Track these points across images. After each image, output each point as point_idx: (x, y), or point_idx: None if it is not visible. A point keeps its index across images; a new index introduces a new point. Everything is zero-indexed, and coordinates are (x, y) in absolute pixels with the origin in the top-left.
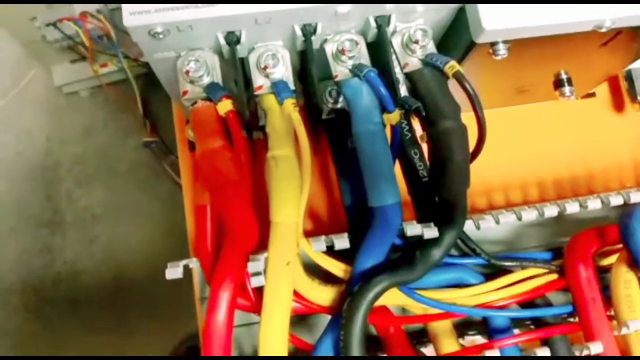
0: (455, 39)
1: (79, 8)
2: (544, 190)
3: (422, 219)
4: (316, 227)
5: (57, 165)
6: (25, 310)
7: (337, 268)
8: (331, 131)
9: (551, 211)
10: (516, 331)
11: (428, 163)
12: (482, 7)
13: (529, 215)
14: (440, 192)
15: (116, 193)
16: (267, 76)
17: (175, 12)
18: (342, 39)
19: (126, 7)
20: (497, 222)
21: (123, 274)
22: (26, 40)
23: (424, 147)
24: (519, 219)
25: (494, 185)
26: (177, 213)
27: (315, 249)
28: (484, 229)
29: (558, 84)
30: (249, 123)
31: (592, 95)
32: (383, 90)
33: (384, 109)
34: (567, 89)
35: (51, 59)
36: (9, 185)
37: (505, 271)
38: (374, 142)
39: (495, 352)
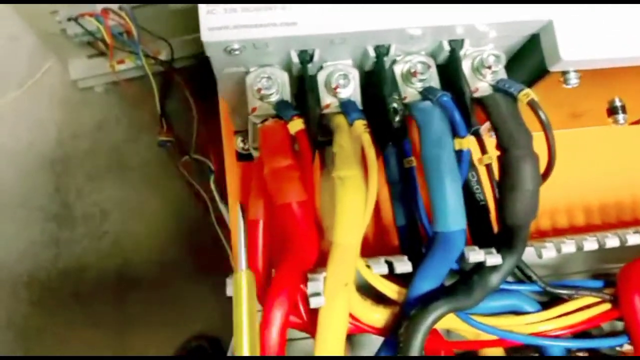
0: (526, 65)
1: (100, 4)
2: (590, 215)
3: (476, 243)
4: (364, 247)
5: (68, 159)
6: (31, 302)
7: (390, 290)
8: (386, 150)
9: (613, 242)
10: None
11: (484, 187)
12: (560, 36)
13: (591, 245)
14: (504, 218)
15: (126, 190)
16: (335, 95)
17: (254, 30)
18: (414, 60)
19: (205, 23)
20: (559, 251)
21: (129, 271)
22: (44, 32)
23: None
24: (581, 248)
25: (541, 210)
26: (186, 213)
27: (377, 272)
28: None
29: (612, 111)
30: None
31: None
32: (457, 115)
33: (454, 134)
34: (620, 116)
35: (68, 52)
36: (19, 176)
37: (558, 299)
38: (444, 167)
39: None
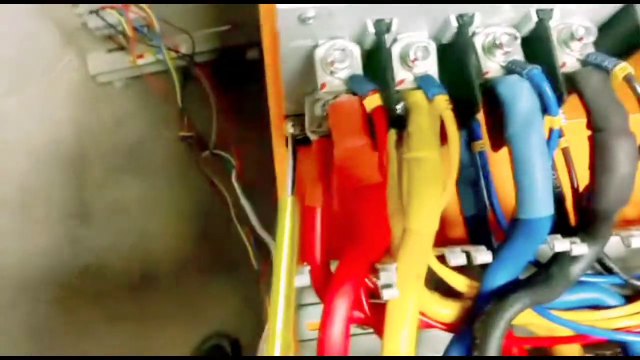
0: (616, 37)
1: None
2: None
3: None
4: None
5: (88, 155)
6: (49, 302)
7: (461, 283)
8: None
9: None
10: None
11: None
12: None
13: None
14: (592, 203)
15: (146, 186)
16: (409, 69)
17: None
18: (499, 32)
19: None
20: None
21: (149, 268)
22: (64, 26)
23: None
24: None
25: None
26: (206, 209)
27: (454, 264)
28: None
29: None
30: None
31: None
32: (549, 89)
33: (544, 111)
34: None
35: (87, 47)
36: (38, 173)
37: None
38: (531, 147)
39: None
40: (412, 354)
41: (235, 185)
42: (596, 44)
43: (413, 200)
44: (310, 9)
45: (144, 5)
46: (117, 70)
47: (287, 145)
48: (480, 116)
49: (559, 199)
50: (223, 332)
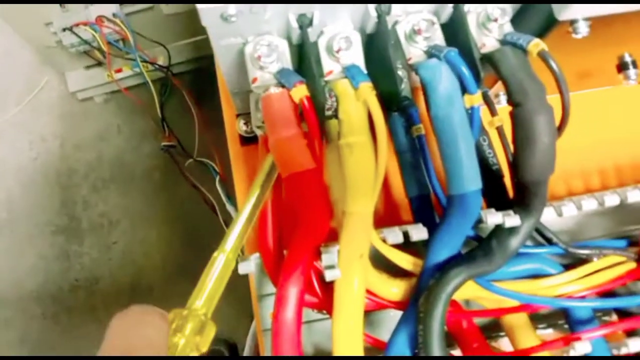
0: (532, 16)
1: (94, 12)
2: (606, 178)
3: (491, 206)
4: (375, 221)
5: (73, 171)
6: (44, 317)
7: (406, 261)
8: (392, 119)
9: (636, 195)
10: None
11: (496, 151)
12: None
13: (612, 200)
14: (521, 177)
15: (132, 198)
16: (337, 60)
17: None
18: (417, 19)
19: None
20: (580, 208)
21: (140, 279)
22: (40, 45)
23: (492, 133)
24: (602, 204)
25: (555, 174)
26: (194, 216)
27: (391, 242)
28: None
29: (622, 67)
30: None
31: None
32: (466, 70)
33: (463, 90)
34: (631, 71)
35: (65, 65)
36: (25, 191)
37: (581, 261)
38: (454, 126)
39: (585, 344)
40: (359, 332)
41: (220, 190)
42: (517, 26)
43: (348, 184)
44: (230, 8)
45: (117, 20)
46: (96, 86)
47: (241, 144)
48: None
49: (497, 176)
50: (220, 336)
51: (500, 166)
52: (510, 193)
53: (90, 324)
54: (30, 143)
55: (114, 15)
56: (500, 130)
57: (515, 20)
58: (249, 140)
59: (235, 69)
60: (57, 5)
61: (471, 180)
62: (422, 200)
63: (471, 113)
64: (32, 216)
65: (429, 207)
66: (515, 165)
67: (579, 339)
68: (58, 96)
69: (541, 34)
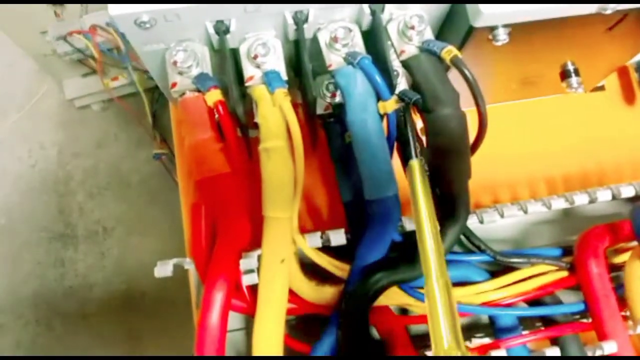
0: (453, 25)
1: (88, 21)
2: (553, 187)
3: None
4: (316, 225)
5: (69, 178)
6: (38, 323)
7: (334, 267)
8: (328, 126)
9: (558, 203)
10: (525, 332)
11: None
12: None
13: (535, 207)
14: (440, 185)
15: (128, 205)
16: (258, 67)
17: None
18: (336, 27)
19: None
20: (502, 215)
21: (134, 287)
22: (38, 54)
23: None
24: (525, 212)
25: (500, 183)
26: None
27: (310, 245)
28: (490, 226)
29: (565, 74)
30: (246, 121)
31: (602, 88)
32: (378, 77)
33: (379, 98)
34: (574, 79)
35: (63, 73)
36: (22, 198)
37: (513, 269)
38: (369, 132)
39: (502, 352)
40: (279, 336)
41: None
42: (442, 34)
43: (266, 189)
44: (143, 14)
45: (110, 29)
46: (92, 94)
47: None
48: None
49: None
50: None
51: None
52: None
53: (83, 330)
54: (29, 150)
55: (107, 24)
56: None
57: (439, 31)
58: None
59: (164, 75)
60: (52, 14)
61: (386, 186)
62: (355, 205)
63: (388, 120)
64: (29, 222)
65: (360, 213)
66: (432, 172)
67: (497, 347)
68: (56, 104)
69: (463, 41)
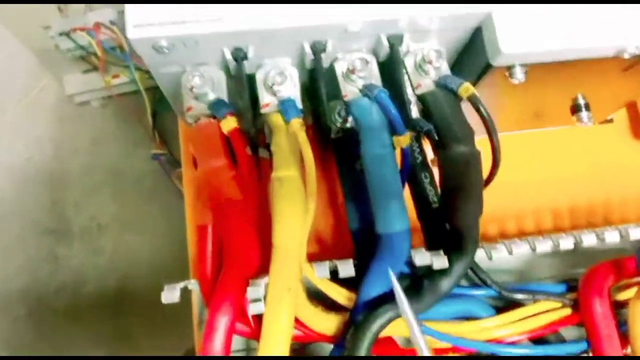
0: (471, 60)
1: (93, 18)
2: (559, 218)
3: (431, 247)
4: (321, 250)
5: (65, 174)
6: (28, 319)
7: (341, 296)
8: (339, 152)
9: (567, 243)
10: None
11: (438, 189)
12: (500, 29)
13: (544, 246)
14: (450, 219)
15: (123, 203)
16: (274, 94)
17: (181, 27)
18: (353, 57)
19: (130, 19)
20: (510, 252)
21: (127, 285)
22: (39, 49)
23: (435, 171)
24: (533, 249)
25: (506, 212)
26: (183, 226)
27: (319, 276)
28: (496, 258)
29: (575, 109)
30: (256, 141)
31: (610, 121)
32: (394, 111)
33: (394, 131)
34: (584, 114)
35: (63, 68)
36: (17, 191)
37: (517, 304)
38: (382, 165)
39: None
40: None
41: None
42: (458, 68)
43: (276, 217)
44: (162, 40)
45: (114, 27)
46: (93, 91)
47: (195, 167)
48: None
49: (436, 214)
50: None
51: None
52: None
53: (74, 326)
54: (26, 145)
55: (111, 22)
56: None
57: (455, 63)
58: None
59: (177, 96)
60: (56, 10)
61: (397, 220)
62: (362, 233)
63: (402, 154)
64: (23, 216)
65: (368, 241)
66: (443, 207)
67: None
68: (55, 99)
69: (479, 76)
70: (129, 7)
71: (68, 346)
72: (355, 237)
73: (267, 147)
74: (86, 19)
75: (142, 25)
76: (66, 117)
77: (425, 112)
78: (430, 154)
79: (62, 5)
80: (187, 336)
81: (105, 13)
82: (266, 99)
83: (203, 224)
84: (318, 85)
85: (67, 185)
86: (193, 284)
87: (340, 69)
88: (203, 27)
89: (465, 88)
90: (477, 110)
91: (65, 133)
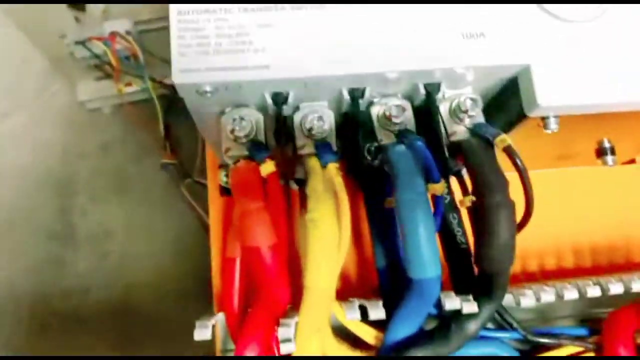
0: (504, 108)
1: (109, 28)
2: (580, 256)
3: (458, 287)
4: (346, 286)
5: (73, 179)
6: (31, 323)
7: (369, 335)
8: (368, 189)
9: (594, 291)
10: None
11: (466, 229)
12: (538, 82)
13: (571, 294)
14: (481, 266)
15: (130, 211)
16: (310, 136)
17: (226, 73)
18: (390, 104)
19: (176, 65)
20: (538, 299)
21: (132, 292)
22: (53, 55)
23: (463, 211)
24: (561, 297)
25: (528, 249)
26: (190, 235)
27: (349, 318)
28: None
29: (601, 152)
30: (286, 174)
31: (632, 161)
32: (430, 159)
33: (428, 178)
34: (609, 158)
35: (76, 74)
36: (25, 195)
37: (540, 346)
38: (416, 212)
39: None
40: None
41: None
42: (490, 113)
43: (308, 259)
44: (206, 85)
45: (129, 37)
46: (105, 98)
47: (222, 195)
48: None
49: (464, 255)
50: (207, 356)
51: (468, 246)
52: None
53: (78, 332)
54: (35, 148)
55: (127, 32)
56: (470, 211)
57: (489, 109)
58: (228, 190)
59: (213, 132)
60: (72, 19)
61: (429, 268)
62: (389, 272)
63: (435, 201)
64: (30, 220)
65: (395, 281)
66: (475, 253)
67: None
68: (66, 104)
69: (512, 124)
70: (174, 49)
71: (71, 351)
72: (381, 276)
73: (297, 181)
74: (102, 28)
75: (188, 70)
76: (76, 123)
77: (462, 159)
78: (457, 193)
79: (80, 15)
80: (191, 343)
81: (121, 23)
82: (302, 141)
83: (231, 256)
84: (352, 127)
85: (75, 191)
86: (220, 318)
87: (376, 113)
88: (249, 74)
89: (502, 139)
90: (513, 162)
91: (75, 138)
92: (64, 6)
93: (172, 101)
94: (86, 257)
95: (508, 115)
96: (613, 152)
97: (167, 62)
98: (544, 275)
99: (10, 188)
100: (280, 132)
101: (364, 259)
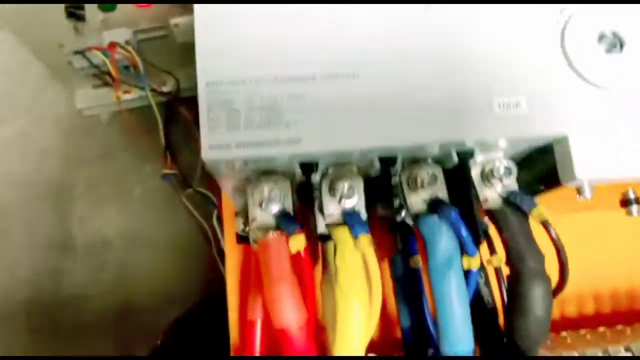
0: (537, 170)
1: (108, 38)
2: (600, 302)
3: (483, 347)
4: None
5: (72, 187)
6: (30, 331)
7: None
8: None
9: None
10: None
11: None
12: (575, 154)
13: None
14: (513, 336)
15: (129, 219)
16: (339, 203)
17: (257, 149)
18: (422, 173)
19: (206, 140)
20: None
21: (130, 302)
22: (51, 63)
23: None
24: None
25: None
26: (189, 245)
27: None
28: None
29: (625, 203)
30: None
31: None
32: (465, 233)
33: (462, 249)
34: (634, 208)
35: (74, 82)
36: (23, 203)
37: None
38: (449, 285)
39: None
40: None
41: (216, 226)
42: (521, 171)
43: (339, 329)
44: (236, 162)
45: (129, 47)
46: (103, 105)
47: (238, 242)
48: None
49: (491, 315)
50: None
51: (495, 306)
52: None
53: (75, 341)
54: (34, 156)
55: (126, 42)
56: (497, 271)
57: (520, 167)
58: (245, 238)
59: (236, 178)
60: (71, 29)
61: (463, 341)
62: (413, 332)
63: (468, 275)
64: (28, 228)
65: (419, 340)
66: (507, 325)
67: None
68: (65, 112)
69: (544, 190)
70: (204, 125)
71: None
72: (405, 335)
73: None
74: (101, 38)
75: (218, 145)
76: (74, 130)
77: (496, 228)
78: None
79: (79, 25)
80: None
81: (120, 33)
82: (331, 209)
83: (252, 319)
84: (385, 196)
85: (73, 199)
86: None
87: (406, 180)
88: (281, 149)
89: (538, 212)
90: (550, 235)
91: (73, 146)
92: (62, 16)
93: (171, 109)
94: (84, 266)
95: (540, 176)
96: (638, 202)
97: (168, 72)
98: (564, 321)
99: (7, 196)
100: (306, 198)
101: (385, 312)
